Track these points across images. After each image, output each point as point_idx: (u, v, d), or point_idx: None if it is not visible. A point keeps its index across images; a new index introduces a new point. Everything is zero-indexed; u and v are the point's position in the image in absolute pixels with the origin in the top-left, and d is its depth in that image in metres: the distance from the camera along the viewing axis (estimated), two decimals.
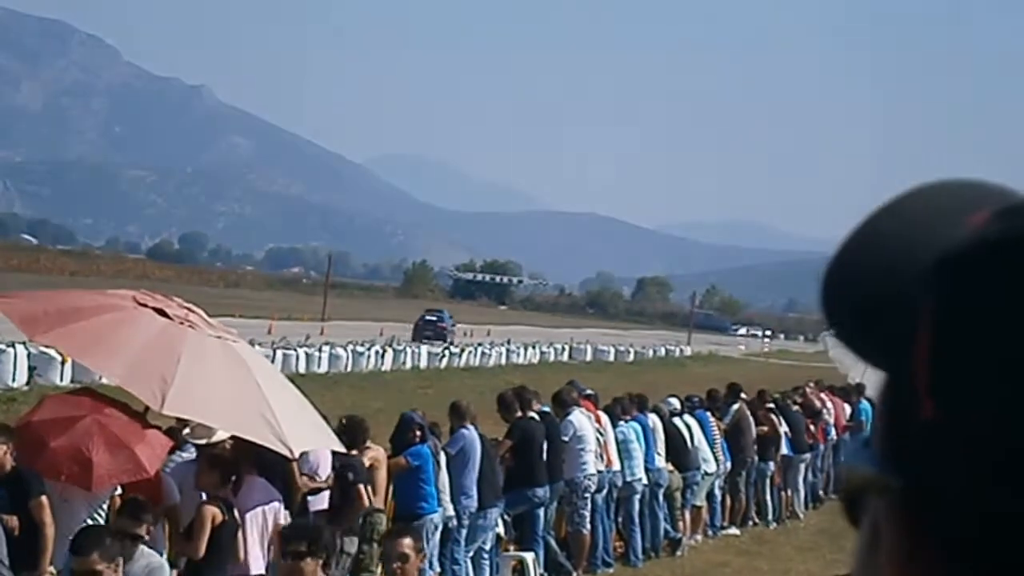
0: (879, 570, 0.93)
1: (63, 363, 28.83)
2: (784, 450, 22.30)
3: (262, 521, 9.94)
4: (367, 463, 12.79)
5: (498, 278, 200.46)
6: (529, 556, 14.81)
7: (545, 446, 15.17)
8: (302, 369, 38.05)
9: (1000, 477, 0.83)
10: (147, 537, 8.36)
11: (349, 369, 42.55)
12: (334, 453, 11.73)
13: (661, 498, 18.19)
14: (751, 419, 21.14)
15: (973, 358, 0.85)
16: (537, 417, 15.38)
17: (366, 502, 12.26)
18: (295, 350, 39.99)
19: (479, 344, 56.63)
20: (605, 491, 16.71)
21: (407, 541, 8.18)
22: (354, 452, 12.42)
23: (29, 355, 28.57)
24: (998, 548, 0.83)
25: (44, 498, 8.96)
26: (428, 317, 74.84)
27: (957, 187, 0.96)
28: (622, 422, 17.32)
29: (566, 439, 15.80)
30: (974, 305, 0.86)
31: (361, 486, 12.11)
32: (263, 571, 9.72)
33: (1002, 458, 0.83)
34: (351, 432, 12.78)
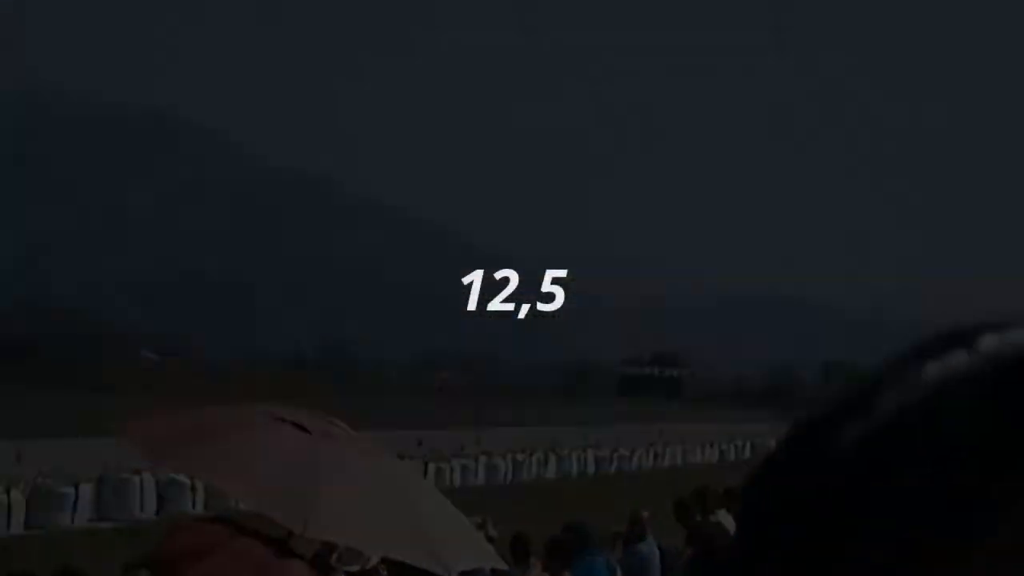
0: None
1: (192, 489, 29.18)
2: None
3: None
4: None
5: (667, 371, 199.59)
6: None
7: None
8: (457, 482, 38.17)
9: None
10: None
11: (509, 480, 42.59)
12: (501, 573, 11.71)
13: None
14: None
15: None
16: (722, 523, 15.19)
17: None
18: (449, 461, 40.15)
19: (651, 445, 56.39)
20: None
21: None
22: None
23: (157, 483, 28.98)
24: None
25: None
26: None
27: None
28: None
29: None
30: None
31: None
32: None
33: None
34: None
